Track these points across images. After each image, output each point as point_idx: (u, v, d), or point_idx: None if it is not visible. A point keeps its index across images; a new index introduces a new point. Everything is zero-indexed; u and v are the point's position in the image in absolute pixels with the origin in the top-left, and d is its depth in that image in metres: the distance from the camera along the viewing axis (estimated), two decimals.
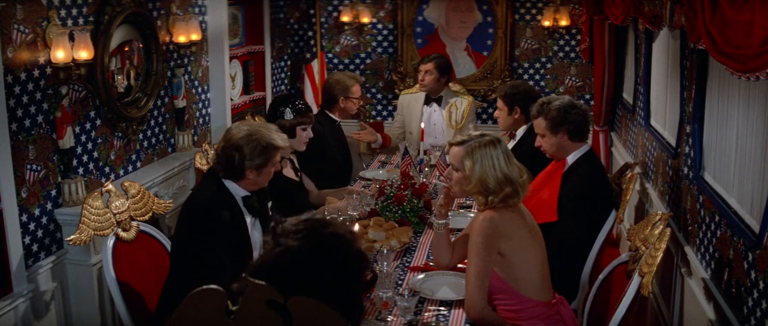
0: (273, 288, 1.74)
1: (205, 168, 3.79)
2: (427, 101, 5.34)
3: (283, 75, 6.56)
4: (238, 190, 2.99)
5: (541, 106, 3.66)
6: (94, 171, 3.95)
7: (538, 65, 6.61)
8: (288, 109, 3.83)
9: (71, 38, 3.58)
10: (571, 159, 3.65)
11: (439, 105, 5.32)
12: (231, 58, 5.49)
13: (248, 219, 3.03)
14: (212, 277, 2.70)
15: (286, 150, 3.93)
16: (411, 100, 5.45)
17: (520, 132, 4.48)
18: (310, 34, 6.74)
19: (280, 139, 3.02)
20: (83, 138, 3.84)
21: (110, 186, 3.27)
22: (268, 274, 1.79)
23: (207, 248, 2.82)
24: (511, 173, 2.82)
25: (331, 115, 4.71)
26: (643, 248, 2.84)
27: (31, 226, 3.47)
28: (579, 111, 3.61)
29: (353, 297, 1.82)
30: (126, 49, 4.19)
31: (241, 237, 2.97)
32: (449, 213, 3.84)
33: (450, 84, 5.51)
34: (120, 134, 4.16)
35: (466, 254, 3.08)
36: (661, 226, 2.82)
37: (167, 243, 3.36)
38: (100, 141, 3.99)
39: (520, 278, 2.79)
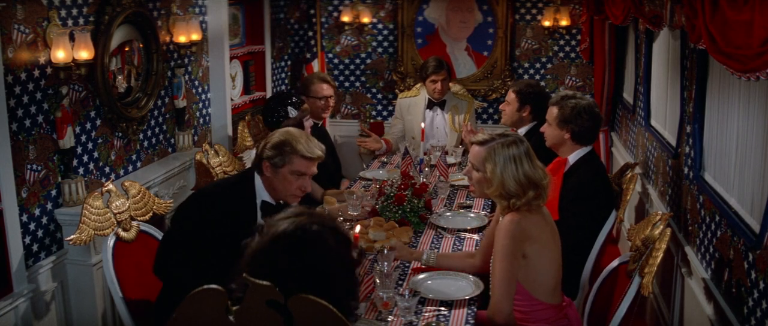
0: (272, 282, 1.76)
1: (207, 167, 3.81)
2: (430, 105, 5.31)
3: (283, 75, 6.56)
4: (261, 190, 2.95)
5: (561, 97, 3.68)
6: (94, 171, 3.95)
7: (538, 65, 6.61)
8: (290, 107, 3.84)
9: (71, 38, 3.58)
10: (572, 159, 3.66)
11: (442, 108, 5.30)
12: (231, 58, 5.49)
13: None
14: (178, 264, 2.77)
15: None
16: (410, 103, 5.41)
17: (522, 131, 4.48)
18: (311, 34, 6.74)
19: (305, 146, 2.88)
20: (83, 138, 3.84)
21: (110, 186, 3.27)
22: (263, 259, 1.81)
23: (181, 233, 2.84)
24: (534, 175, 2.77)
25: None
26: (643, 248, 2.84)
27: (31, 226, 3.47)
28: (590, 117, 3.60)
29: (345, 278, 1.88)
30: (126, 49, 4.19)
31: (243, 237, 2.93)
32: (448, 214, 3.87)
33: (449, 84, 5.51)
34: (120, 134, 4.16)
35: (490, 255, 3.09)
36: (661, 226, 2.82)
37: None
38: (100, 141, 3.99)
39: (536, 280, 2.78)
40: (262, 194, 2.96)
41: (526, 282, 2.78)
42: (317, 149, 2.94)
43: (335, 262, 1.88)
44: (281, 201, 3.00)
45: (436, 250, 3.31)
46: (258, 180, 2.97)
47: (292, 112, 3.84)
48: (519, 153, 2.78)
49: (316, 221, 1.89)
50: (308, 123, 3.92)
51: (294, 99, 3.90)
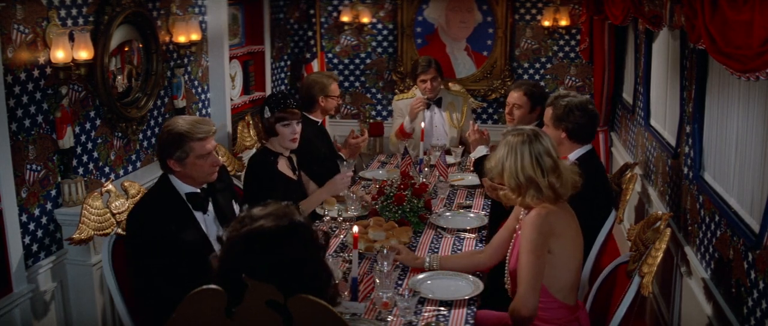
0: (273, 286, 1.77)
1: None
2: (426, 105, 5.31)
3: (283, 75, 6.56)
4: (181, 186, 3.02)
5: (555, 98, 3.69)
6: (94, 171, 3.95)
7: (537, 65, 6.61)
8: (267, 107, 3.82)
9: (71, 38, 3.58)
10: (571, 158, 3.65)
11: (439, 107, 5.30)
12: (231, 58, 5.49)
13: (199, 215, 3.03)
14: (149, 276, 2.83)
15: (285, 148, 3.92)
16: (408, 104, 5.41)
17: None
18: (310, 34, 6.74)
19: (194, 129, 2.97)
20: (83, 138, 3.84)
21: (110, 186, 3.27)
22: (247, 263, 1.85)
23: (139, 251, 2.90)
24: (533, 173, 2.75)
25: (311, 116, 4.60)
26: (643, 248, 2.84)
27: (31, 226, 3.47)
28: (583, 114, 3.59)
29: (322, 265, 1.96)
30: (126, 49, 4.19)
31: (189, 231, 2.96)
32: (448, 214, 3.87)
33: (449, 84, 5.50)
34: (120, 134, 4.16)
35: (498, 253, 3.09)
36: (661, 226, 2.82)
37: None
38: (100, 141, 3.99)
39: (555, 277, 2.78)
40: (183, 188, 3.02)
41: (546, 278, 2.77)
42: (206, 125, 3.02)
43: (313, 251, 1.93)
44: (205, 186, 3.08)
45: (436, 253, 3.30)
46: (173, 178, 3.03)
47: (267, 113, 3.82)
48: (522, 149, 2.78)
49: (288, 215, 1.93)
50: (290, 130, 3.83)
51: (277, 99, 3.87)
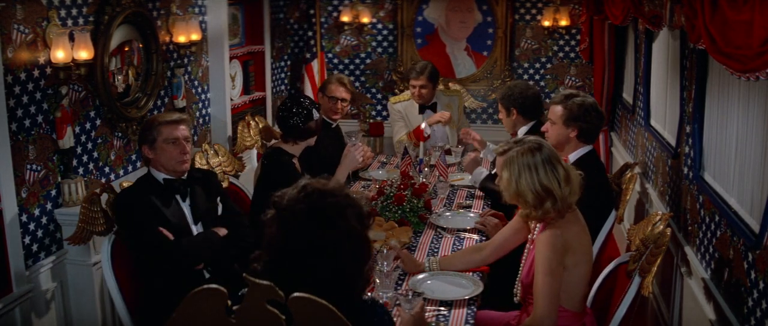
0: (286, 259, 1.82)
1: (205, 168, 3.81)
2: (421, 109, 5.30)
3: (283, 75, 6.56)
4: (158, 174, 3.20)
5: (565, 97, 3.65)
6: (94, 172, 3.95)
7: (538, 65, 6.61)
8: (315, 110, 3.85)
9: (71, 38, 3.58)
10: (572, 157, 3.65)
11: (435, 111, 5.29)
12: (231, 58, 5.49)
13: (178, 198, 3.21)
14: (158, 250, 3.02)
15: (297, 149, 3.91)
16: (407, 106, 5.38)
17: (522, 132, 4.47)
18: (310, 34, 6.74)
19: (163, 115, 3.22)
20: (83, 138, 3.84)
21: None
22: (280, 238, 1.94)
23: (139, 231, 3.07)
24: (550, 185, 2.71)
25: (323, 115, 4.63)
26: (643, 248, 2.84)
27: (31, 226, 3.47)
28: (598, 114, 3.62)
29: (358, 251, 1.98)
30: (126, 49, 4.19)
31: (170, 208, 3.15)
32: (448, 213, 3.87)
33: (449, 84, 5.49)
34: (120, 134, 4.16)
35: (500, 252, 3.10)
36: (661, 226, 2.82)
37: None
38: (100, 141, 3.99)
39: (567, 290, 2.75)
40: (160, 176, 3.20)
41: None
42: (175, 114, 3.26)
43: (348, 235, 1.96)
44: (184, 177, 3.23)
45: (436, 255, 3.29)
46: (151, 169, 3.22)
47: (316, 115, 3.84)
48: (535, 161, 2.74)
49: (328, 194, 2.02)
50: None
51: (307, 101, 3.87)
